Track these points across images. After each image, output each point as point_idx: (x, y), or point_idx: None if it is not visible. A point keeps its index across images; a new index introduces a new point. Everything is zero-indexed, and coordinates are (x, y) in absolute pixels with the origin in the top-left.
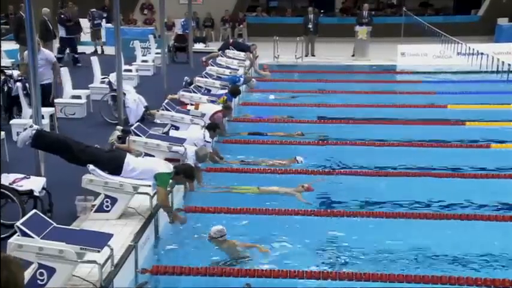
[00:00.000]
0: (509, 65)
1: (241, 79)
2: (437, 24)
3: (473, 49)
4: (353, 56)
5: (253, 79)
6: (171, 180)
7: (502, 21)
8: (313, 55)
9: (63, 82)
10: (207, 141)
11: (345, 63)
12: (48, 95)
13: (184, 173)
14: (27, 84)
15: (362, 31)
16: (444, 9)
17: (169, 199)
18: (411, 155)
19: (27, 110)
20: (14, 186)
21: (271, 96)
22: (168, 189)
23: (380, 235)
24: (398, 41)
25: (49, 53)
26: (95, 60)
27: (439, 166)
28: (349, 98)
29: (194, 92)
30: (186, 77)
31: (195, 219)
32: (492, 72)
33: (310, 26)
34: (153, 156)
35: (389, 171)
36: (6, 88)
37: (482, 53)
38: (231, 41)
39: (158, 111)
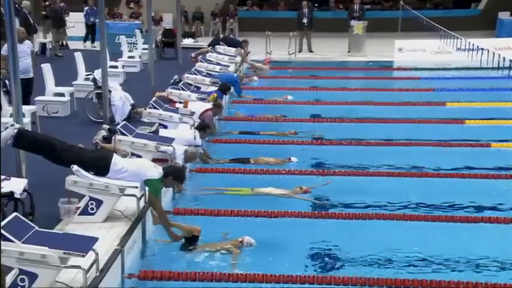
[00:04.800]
0: (510, 60)
1: (238, 81)
2: (436, 18)
3: (473, 44)
4: (349, 52)
5: (255, 77)
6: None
7: (504, 15)
8: (310, 51)
9: (45, 79)
10: (198, 145)
11: (340, 59)
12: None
13: (173, 175)
14: (7, 81)
15: (358, 26)
16: (443, 3)
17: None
18: (408, 154)
19: (7, 108)
20: None
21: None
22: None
23: (376, 238)
24: (396, 36)
25: (30, 43)
26: (78, 56)
27: (437, 166)
28: (344, 96)
29: (183, 89)
30: (175, 76)
31: (184, 222)
32: (493, 68)
33: (304, 20)
34: (140, 156)
35: (386, 172)
36: None
37: (482, 49)
38: (221, 36)
39: (145, 109)
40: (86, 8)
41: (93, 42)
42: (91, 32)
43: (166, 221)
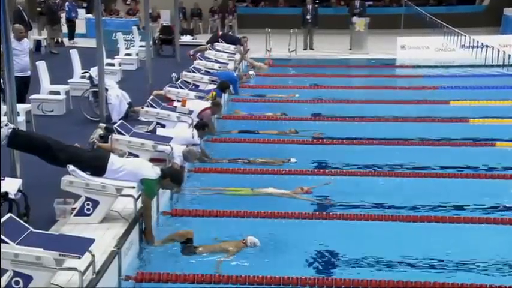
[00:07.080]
0: None
1: (237, 80)
2: (439, 15)
3: (478, 41)
4: (350, 49)
5: (251, 72)
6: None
7: (509, 12)
8: (311, 48)
9: (40, 77)
10: (196, 144)
11: (342, 56)
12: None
13: (171, 176)
14: (1, 80)
15: (360, 23)
16: None
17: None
18: (411, 154)
19: (1, 107)
20: None
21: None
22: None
23: (378, 239)
24: (398, 33)
25: (28, 41)
26: (74, 53)
27: (441, 166)
28: (345, 94)
29: (181, 87)
30: (173, 73)
31: (183, 223)
32: (498, 65)
33: (308, 17)
34: (138, 156)
35: (388, 172)
36: None
37: (487, 46)
38: (220, 33)
39: (143, 108)
40: (67, 4)
41: (72, 38)
42: (71, 28)
43: (150, 224)
